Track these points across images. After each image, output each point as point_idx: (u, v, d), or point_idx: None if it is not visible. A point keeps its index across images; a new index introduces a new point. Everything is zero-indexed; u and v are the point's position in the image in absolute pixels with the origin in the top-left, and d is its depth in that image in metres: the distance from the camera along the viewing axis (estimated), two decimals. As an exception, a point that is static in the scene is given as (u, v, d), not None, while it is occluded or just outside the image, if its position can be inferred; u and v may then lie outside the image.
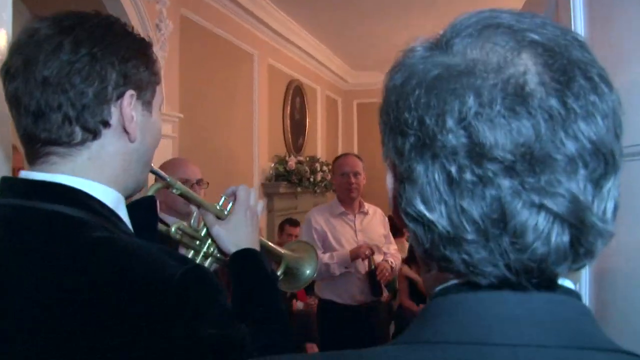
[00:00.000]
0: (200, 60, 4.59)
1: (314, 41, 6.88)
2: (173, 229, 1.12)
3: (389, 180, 0.59)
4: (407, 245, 5.20)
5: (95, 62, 0.80)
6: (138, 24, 3.57)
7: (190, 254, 1.18)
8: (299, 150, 6.95)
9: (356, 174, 3.32)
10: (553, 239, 0.47)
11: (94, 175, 0.84)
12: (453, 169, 0.48)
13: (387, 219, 3.64)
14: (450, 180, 0.49)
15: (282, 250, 1.44)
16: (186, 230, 1.16)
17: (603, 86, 0.49)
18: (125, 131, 0.85)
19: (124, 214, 0.88)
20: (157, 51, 3.74)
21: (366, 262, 3.20)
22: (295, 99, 6.83)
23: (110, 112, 0.83)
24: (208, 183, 2.33)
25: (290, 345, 1.08)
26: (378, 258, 3.28)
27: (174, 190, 1.10)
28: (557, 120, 0.46)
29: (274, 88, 6.17)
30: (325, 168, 6.90)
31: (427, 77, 0.51)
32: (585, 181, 0.47)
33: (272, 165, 6.03)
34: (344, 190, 3.33)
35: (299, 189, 6.10)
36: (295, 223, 5.04)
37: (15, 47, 0.80)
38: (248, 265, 1.13)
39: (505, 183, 0.47)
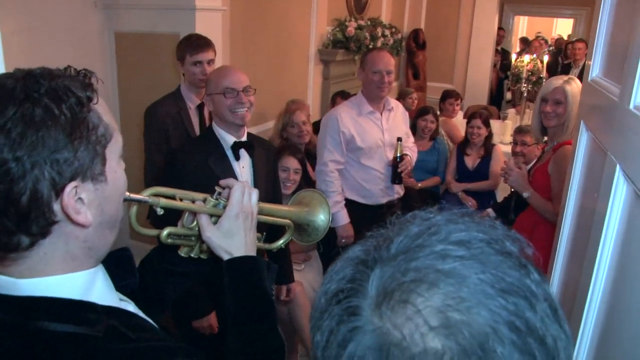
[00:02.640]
0: None
1: None
2: (164, 235, 1.13)
3: None
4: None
5: (21, 166, 0.70)
6: None
7: (185, 250, 1.20)
8: (362, 10, 6.61)
9: (389, 73, 3.16)
10: None
11: (55, 267, 0.79)
12: None
13: (407, 114, 3.60)
14: None
15: (287, 209, 1.42)
16: (178, 233, 1.17)
17: None
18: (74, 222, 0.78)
19: (99, 285, 0.85)
20: None
21: (393, 151, 3.27)
22: (361, -46, 6.35)
23: (52, 211, 0.75)
24: (255, 90, 2.28)
25: None
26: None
27: (158, 210, 1.06)
28: None
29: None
30: (387, 32, 6.60)
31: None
32: None
33: (330, 30, 5.82)
34: (375, 89, 3.19)
35: (356, 57, 5.91)
36: (347, 96, 4.97)
37: None
38: (238, 276, 1.13)
39: None
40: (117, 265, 0.92)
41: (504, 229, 0.56)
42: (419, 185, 4.51)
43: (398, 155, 3.23)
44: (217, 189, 1.18)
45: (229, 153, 2.28)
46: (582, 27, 10.30)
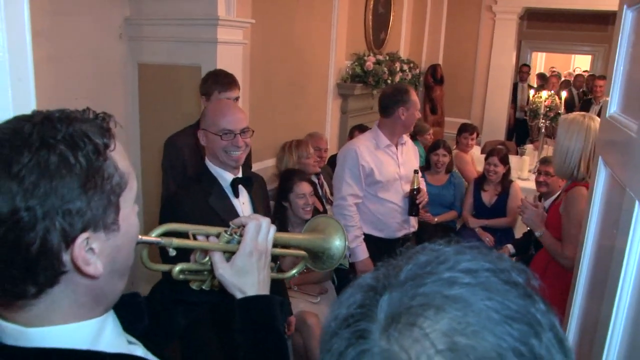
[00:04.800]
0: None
1: None
2: (175, 272, 1.12)
3: None
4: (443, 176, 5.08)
5: (32, 216, 0.68)
6: None
7: (197, 284, 1.18)
8: (380, 46, 6.70)
9: None
10: None
11: (63, 315, 0.77)
12: None
13: (416, 148, 3.66)
14: None
15: (302, 237, 1.39)
16: (191, 268, 1.15)
17: None
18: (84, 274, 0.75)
19: (108, 332, 0.83)
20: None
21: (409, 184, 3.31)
22: (381, -8, 6.47)
23: (62, 262, 0.72)
24: (253, 131, 2.21)
25: None
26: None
27: (170, 251, 1.05)
28: None
29: (357, -19, 5.86)
30: (405, 67, 6.67)
31: None
32: None
33: (349, 64, 5.90)
34: (410, 125, 3.34)
35: (374, 92, 5.97)
36: (365, 130, 5.01)
37: None
38: (251, 316, 1.10)
39: None
40: (127, 309, 0.90)
41: (510, 261, 0.57)
42: (435, 219, 4.49)
43: (415, 187, 3.25)
44: (232, 224, 1.15)
45: (228, 191, 2.21)
46: (600, 62, 10.32)
